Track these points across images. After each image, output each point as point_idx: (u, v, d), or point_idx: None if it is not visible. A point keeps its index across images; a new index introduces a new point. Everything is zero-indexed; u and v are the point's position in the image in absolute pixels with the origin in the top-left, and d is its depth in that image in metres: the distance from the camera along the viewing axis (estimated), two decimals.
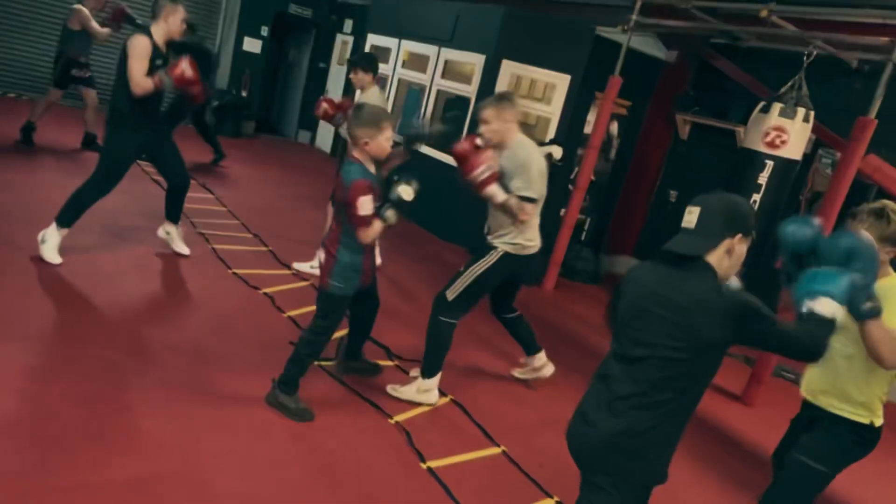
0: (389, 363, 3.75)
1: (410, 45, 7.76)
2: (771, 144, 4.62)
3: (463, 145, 3.23)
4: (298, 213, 6.53)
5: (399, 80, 7.96)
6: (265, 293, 4.30)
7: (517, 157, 3.21)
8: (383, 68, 8.18)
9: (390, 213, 2.78)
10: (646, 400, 1.68)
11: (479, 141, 3.32)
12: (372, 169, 2.85)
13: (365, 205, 2.66)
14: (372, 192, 2.72)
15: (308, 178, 8.33)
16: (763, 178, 4.64)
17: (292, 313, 4.06)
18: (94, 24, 6.11)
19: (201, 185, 6.58)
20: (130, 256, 4.34)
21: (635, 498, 1.75)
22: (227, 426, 2.77)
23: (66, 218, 3.88)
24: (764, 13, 4.61)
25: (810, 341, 1.61)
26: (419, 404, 3.35)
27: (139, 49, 3.70)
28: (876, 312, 1.93)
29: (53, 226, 3.87)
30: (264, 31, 9.97)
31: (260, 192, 7.09)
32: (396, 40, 7.97)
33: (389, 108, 7.90)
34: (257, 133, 10.42)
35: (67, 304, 3.55)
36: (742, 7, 4.86)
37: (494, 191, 3.14)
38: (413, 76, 7.71)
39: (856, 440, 2.18)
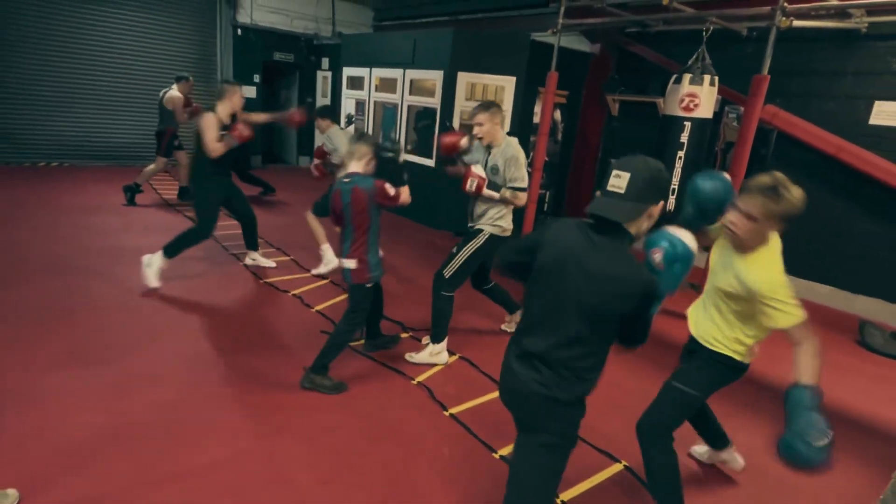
0: (405, 335, 3.77)
1: (380, 72, 7.67)
2: (686, 109, 4.63)
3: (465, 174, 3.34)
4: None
5: (375, 102, 7.88)
6: (294, 294, 4.29)
7: (508, 153, 3.28)
8: (360, 94, 8.12)
9: (405, 177, 2.95)
10: (565, 356, 1.58)
11: (464, 141, 3.43)
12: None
13: (390, 187, 2.83)
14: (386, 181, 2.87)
15: (313, 196, 8.23)
16: (684, 137, 4.67)
17: (319, 307, 4.06)
18: (179, 110, 6.34)
19: (226, 214, 6.50)
20: (174, 284, 4.30)
21: (565, 442, 1.68)
22: (283, 406, 2.79)
23: (171, 251, 4.07)
24: (666, 1, 4.60)
25: (646, 332, 1.60)
26: (434, 365, 3.38)
27: (209, 123, 3.97)
28: (820, 396, 1.71)
29: (160, 253, 4.04)
30: (256, 78, 9.83)
31: (275, 212, 7.02)
32: (368, 69, 7.88)
33: (369, 126, 7.85)
34: (265, 164, 10.32)
35: (132, 327, 3.50)
36: None
37: (489, 194, 3.28)
38: (386, 97, 7.63)
39: (724, 371, 2.06)
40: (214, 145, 3.99)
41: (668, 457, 2.08)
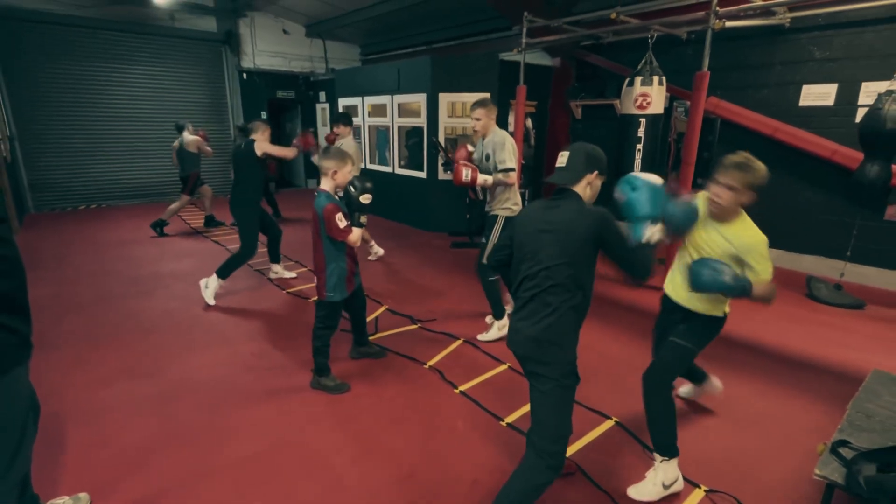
0: (414, 326, 3.76)
1: (371, 99, 7.66)
2: (640, 107, 4.64)
3: (456, 170, 3.32)
4: None
5: (369, 126, 7.87)
6: (314, 300, 4.26)
7: (496, 139, 3.31)
8: (355, 121, 8.09)
9: (363, 219, 2.65)
10: (547, 302, 1.65)
11: (470, 147, 3.48)
12: (336, 195, 2.68)
13: (341, 220, 2.56)
14: (341, 210, 2.59)
15: None
16: (641, 132, 4.67)
17: None
18: (192, 147, 6.31)
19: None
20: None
21: (564, 376, 1.68)
22: (314, 399, 2.78)
23: (224, 272, 4.15)
24: (613, 16, 4.61)
25: (644, 264, 1.63)
26: (501, 336, 3.46)
27: (266, 144, 4.10)
28: (749, 291, 1.83)
29: (214, 276, 4.14)
30: (263, 115, 9.80)
31: (289, 229, 7.00)
32: (360, 98, 7.86)
33: (366, 148, 7.83)
34: (278, 188, 10.29)
35: (173, 342, 3.48)
36: (597, 15, 4.85)
37: (483, 179, 3.27)
38: (378, 121, 7.62)
39: (712, 326, 2.12)
40: (286, 151, 4.20)
41: (667, 405, 2.10)
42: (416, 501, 2.04)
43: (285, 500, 2.04)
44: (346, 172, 2.65)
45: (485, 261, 3.38)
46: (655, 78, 4.57)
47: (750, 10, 4.26)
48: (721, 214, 2.00)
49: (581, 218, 1.62)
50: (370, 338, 3.47)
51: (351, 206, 2.65)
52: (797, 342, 3.57)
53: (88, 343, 3.41)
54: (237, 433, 2.46)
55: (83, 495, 2.00)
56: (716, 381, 2.69)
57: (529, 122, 6.99)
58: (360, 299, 3.05)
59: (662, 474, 2.08)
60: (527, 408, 2.63)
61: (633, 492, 2.08)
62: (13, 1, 7.24)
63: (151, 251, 5.74)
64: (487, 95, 6.29)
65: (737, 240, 1.95)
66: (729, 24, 4.21)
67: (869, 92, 4.60)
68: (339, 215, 2.55)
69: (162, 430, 2.48)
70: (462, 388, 2.90)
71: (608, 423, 2.58)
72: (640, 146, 4.73)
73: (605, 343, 3.50)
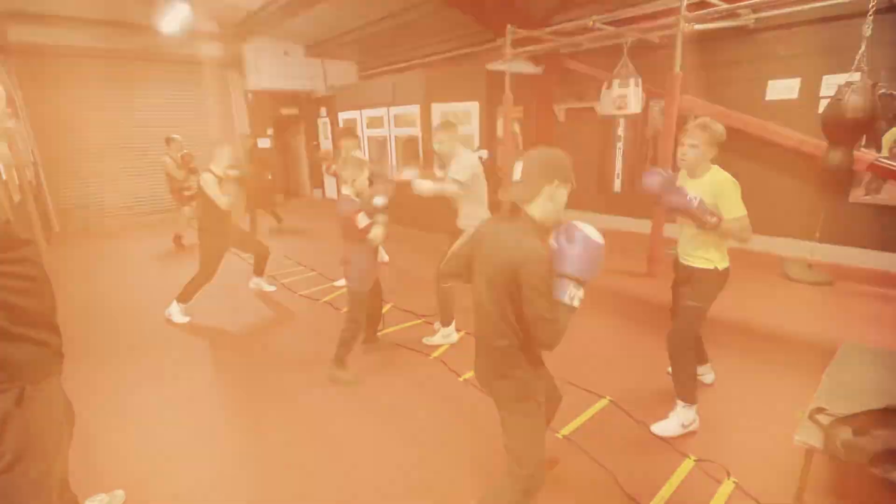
0: (418, 321, 3.76)
1: (369, 112, 7.64)
2: (619, 108, 4.64)
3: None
4: (329, 242, 6.47)
5: (368, 137, 7.86)
6: (325, 301, 4.27)
7: (453, 156, 3.11)
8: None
9: (381, 218, 2.70)
10: (486, 336, 1.46)
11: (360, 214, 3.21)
12: (357, 200, 2.72)
13: (361, 220, 2.63)
14: (362, 211, 2.65)
15: (326, 220, 8.22)
16: (621, 131, 4.67)
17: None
18: (173, 172, 6.08)
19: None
20: (223, 309, 4.29)
21: (518, 402, 1.48)
22: (328, 393, 2.78)
23: (185, 297, 3.90)
24: (590, 24, 4.60)
25: (554, 333, 1.30)
26: (445, 343, 3.37)
27: (209, 183, 3.66)
28: (707, 220, 2.06)
29: (174, 303, 3.90)
30: (269, 131, 9.80)
31: (298, 236, 6.99)
32: (359, 111, 7.85)
33: (366, 157, 7.82)
34: (285, 198, 10.28)
35: (197, 348, 3.48)
36: (575, 24, 4.85)
37: (426, 187, 3.07)
38: (376, 132, 7.61)
39: (714, 280, 2.22)
40: (218, 200, 3.67)
41: (689, 361, 2.26)
42: (429, 482, 2.04)
43: (308, 488, 2.04)
44: (364, 179, 2.75)
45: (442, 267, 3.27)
46: (632, 80, 4.57)
47: (716, 14, 4.26)
48: (693, 171, 2.20)
49: (512, 249, 1.32)
50: (379, 333, 3.47)
51: (371, 209, 2.73)
52: (773, 318, 3.57)
53: (115, 352, 3.40)
54: (261, 429, 2.47)
55: (119, 492, 2.00)
56: (710, 374, 2.74)
57: (517, 127, 6.99)
58: (377, 296, 3.10)
59: (683, 416, 2.27)
60: None
61: (657, 428, 2.28)
62: (35, 38, 7.23)
63: (170, 265, 5.73)
64: (477, 102, 6.28)
65: (708, 186, 2.13)
66: (698, 27, 4.21)
67: (830, 84, 4.60)
68: (361, 214, 2.64)
69: (189, 429, 2.48)
70: (465, 376, 2.90)
71: (603, 402, 2.58)
72: (620, 144, 4.73)
73: (596, 326, 3.50)
